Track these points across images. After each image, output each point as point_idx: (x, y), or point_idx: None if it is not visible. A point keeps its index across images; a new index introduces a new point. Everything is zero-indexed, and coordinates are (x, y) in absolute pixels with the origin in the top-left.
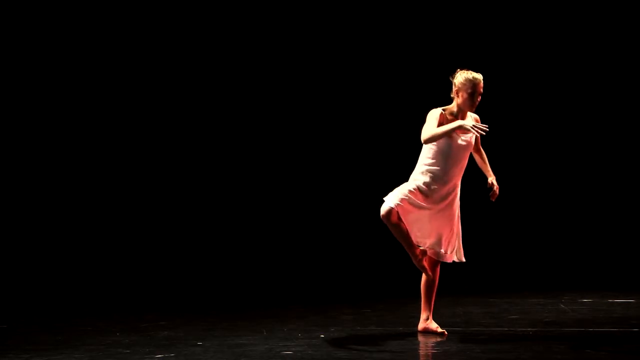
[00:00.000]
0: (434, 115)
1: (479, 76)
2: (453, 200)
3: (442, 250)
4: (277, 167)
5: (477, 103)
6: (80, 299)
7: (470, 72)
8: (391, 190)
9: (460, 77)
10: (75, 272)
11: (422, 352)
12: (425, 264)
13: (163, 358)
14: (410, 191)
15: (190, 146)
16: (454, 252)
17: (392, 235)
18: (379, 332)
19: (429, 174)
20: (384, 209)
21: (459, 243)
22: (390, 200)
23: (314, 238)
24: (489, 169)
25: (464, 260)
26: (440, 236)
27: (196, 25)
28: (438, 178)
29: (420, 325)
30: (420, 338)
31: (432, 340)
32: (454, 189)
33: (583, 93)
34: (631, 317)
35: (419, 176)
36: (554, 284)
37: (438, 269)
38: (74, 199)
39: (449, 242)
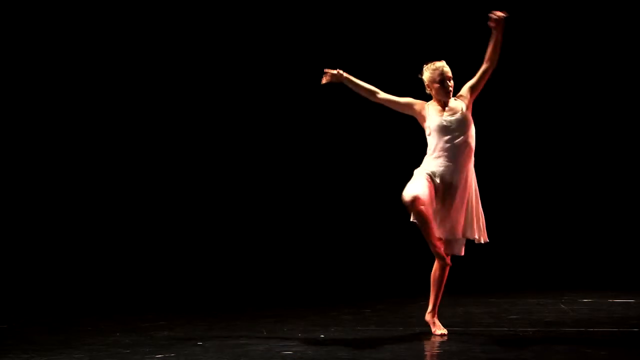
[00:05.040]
0: (413, 99)
1: (441, 63)
2: (463, 185)
3: (458, 237)
4: (278, 168)
5: (450, 88)
6: (80, 299)
7: (432, 63)
8: (392, 190)
9: (426, 72)
10: (76, 273)
11: (422, 352)
12: (442, 251)
13: (163, 358)
14: (426, 180)
15: (190, 146)
16: (473, 234)
17: (391, 236)
18: (379, 332)
19: (432, 162)
20: (409, 196)
21: (477, 224)
22: (413, 188)
23: (314, 238)
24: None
25: (487, 240)
26: (454, 223)
27: (196, 25)
28: (441, 163)
29: (427, 316)
30: (420, 338)
31: (432, 340)
32: (461, 171)
33: (584, 93)
34: (631, 317)
35: (424, 165)
36: (554, 284)
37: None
38: (74, 199)
39: (464, 227)
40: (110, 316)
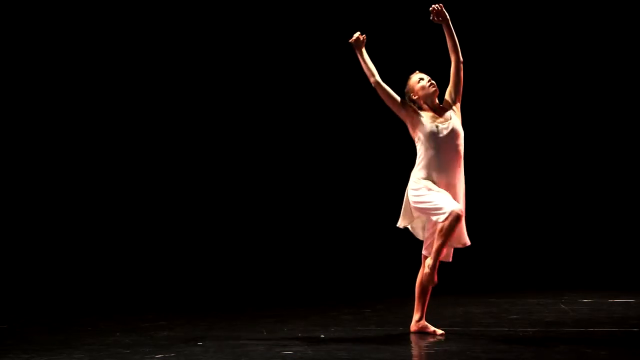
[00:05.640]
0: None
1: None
2: (459, 192)
3: (467, 244)
4: (278, 168)
5: (431, 83)
6: (80, 299)
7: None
8: (391, 191)
9: (407, 88)
10: (76, 273)
11: (422, 352)
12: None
13: (163, 358)
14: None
15: (190, 146)
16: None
17: (391, 236)
18: (379, 332)
19: (425, 172)
20: (458, 209)
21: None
22: (452, 201)
23: (314, 238)
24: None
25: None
26: (461, 231)
27: (196, 25)
28: (435, 173)
29: (414, 326)
30: (420, 338)
31: (432, 340)
32: (456, 180)
33: (584, 93)
34: (631, 317)
35: (419, 176)
36: (554, 284)
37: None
38: (74, 199)
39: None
40: (110, 316)
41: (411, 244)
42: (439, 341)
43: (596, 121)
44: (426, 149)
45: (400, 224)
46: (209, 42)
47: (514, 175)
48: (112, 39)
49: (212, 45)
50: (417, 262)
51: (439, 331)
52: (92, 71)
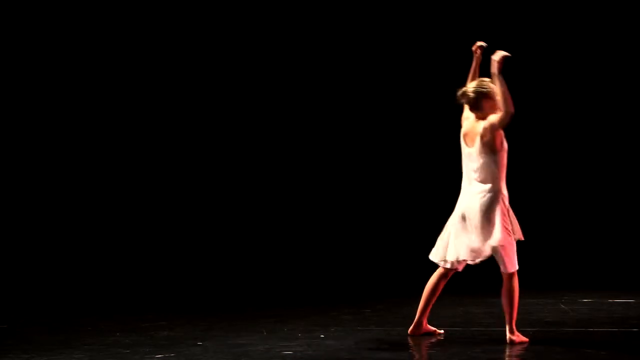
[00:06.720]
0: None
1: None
2: None
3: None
4: (278, 168)
5: None
6: (80, 299)
7: (479, 82)
8: (391, 192)
9: (486, 91)
10: (76, 273)
11: (422, 352)
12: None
13: (163, 358)
14: (506, 228)
15: (190, 146)
16: None
17: (391, 236)
18: (379, 332)
19: (505, 190)
20: (508, 272)
21: None
22: (512, 264)
23: (314, 238)
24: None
25: None
26: None
27: (196, 25)
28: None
29: (416, 330)
30: (420, 338)
31: (432, 340)
32: None
33: (584, 93)
34: (631, 317)
35: (504, 194)
36: (554, 284)
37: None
38: (74, 199)
39: None
40: (110, 316)
41: (410, 244)
42: (439, 341)
43: (595, 122)
44: (503, 162)
45: (498, 242)
46: (209, 42)
47: (513, 176)
48: (112, 39)
49: (212, 45)
50: (417, 262)
51: (440, 331)
52: (92, 71)
